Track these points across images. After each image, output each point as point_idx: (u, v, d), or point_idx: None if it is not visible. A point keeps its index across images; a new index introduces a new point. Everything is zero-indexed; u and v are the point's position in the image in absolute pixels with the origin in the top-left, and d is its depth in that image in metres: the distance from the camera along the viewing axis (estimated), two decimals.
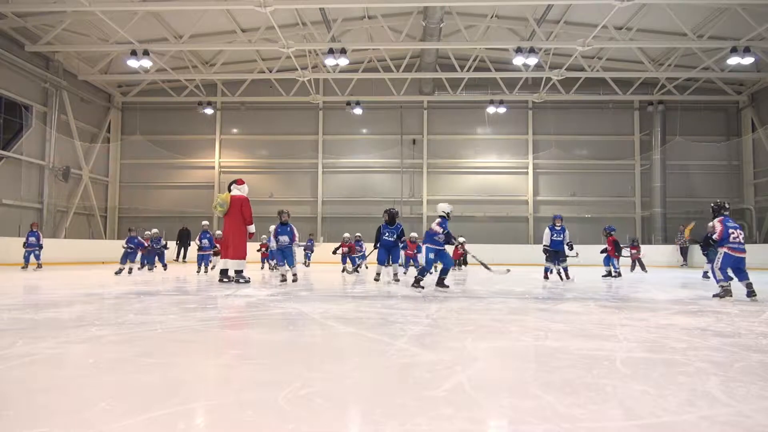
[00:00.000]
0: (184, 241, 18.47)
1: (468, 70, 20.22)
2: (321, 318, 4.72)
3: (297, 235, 9.45)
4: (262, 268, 14.45)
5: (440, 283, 7.85)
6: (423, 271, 8.04)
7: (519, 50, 16.47)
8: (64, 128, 20.01)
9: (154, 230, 13.05)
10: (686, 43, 17.08)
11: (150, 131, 23.77)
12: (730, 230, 6.80)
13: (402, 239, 10.11)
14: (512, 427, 1.96)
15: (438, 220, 8.03)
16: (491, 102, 21.83)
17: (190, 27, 16.87)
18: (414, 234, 13.70)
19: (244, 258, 9.09)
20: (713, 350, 3.36)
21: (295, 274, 9.27)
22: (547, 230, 10.68)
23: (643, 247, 15.42)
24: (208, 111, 22.81)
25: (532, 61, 17.08)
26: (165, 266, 13.21)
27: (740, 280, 6.83)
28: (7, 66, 17.26)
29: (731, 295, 6.67)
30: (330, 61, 16.83)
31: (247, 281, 8.84)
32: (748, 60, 16.33)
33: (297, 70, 19.60)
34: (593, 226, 20.86)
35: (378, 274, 10.01)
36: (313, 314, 4.93)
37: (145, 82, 22.39)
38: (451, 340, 3.75)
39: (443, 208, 8.18)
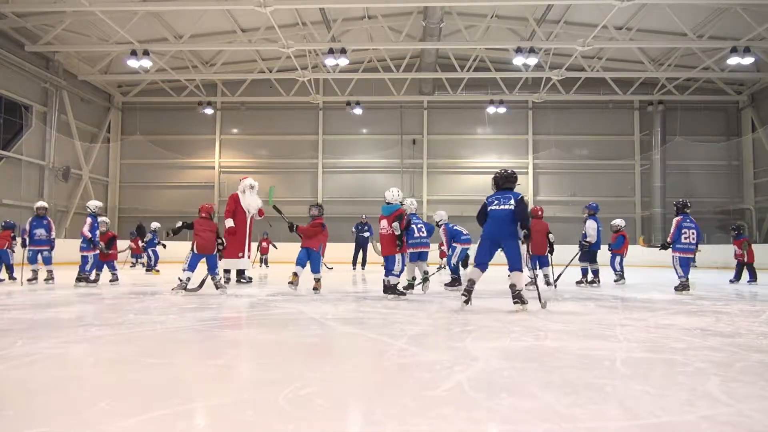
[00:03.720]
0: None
1: (468, 70, 20.20)
2: (321, 318, 4.72)
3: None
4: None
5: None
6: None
7: (519, 50, 16.46)
8: (64, 128, 19.97)
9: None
10: (686, 43, 17.05)
11: (150, 131, 23.73)
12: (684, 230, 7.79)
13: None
14: (512, 427, 1.96)
15: None
16: (491, 102, 21.80)
17: (190, 27, 16.85)
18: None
19: (231, 257, 8.47)
20: (713, 350, 3.36)
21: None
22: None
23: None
24: (208, 111, 22.79)
25: (532, 61, 17.07)
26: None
27: None
28: (7, 66, 17.23)
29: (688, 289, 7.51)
30: (330, 61, 16.82)
31: (226, 282, 8.78)
32: (748, 60, 16.30)
33: (297, 70, 19.58)
34: None
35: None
36: (313, 314, 4.93)
37: (145, 82, 22.36)
38: (451, 340, 3.75)
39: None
